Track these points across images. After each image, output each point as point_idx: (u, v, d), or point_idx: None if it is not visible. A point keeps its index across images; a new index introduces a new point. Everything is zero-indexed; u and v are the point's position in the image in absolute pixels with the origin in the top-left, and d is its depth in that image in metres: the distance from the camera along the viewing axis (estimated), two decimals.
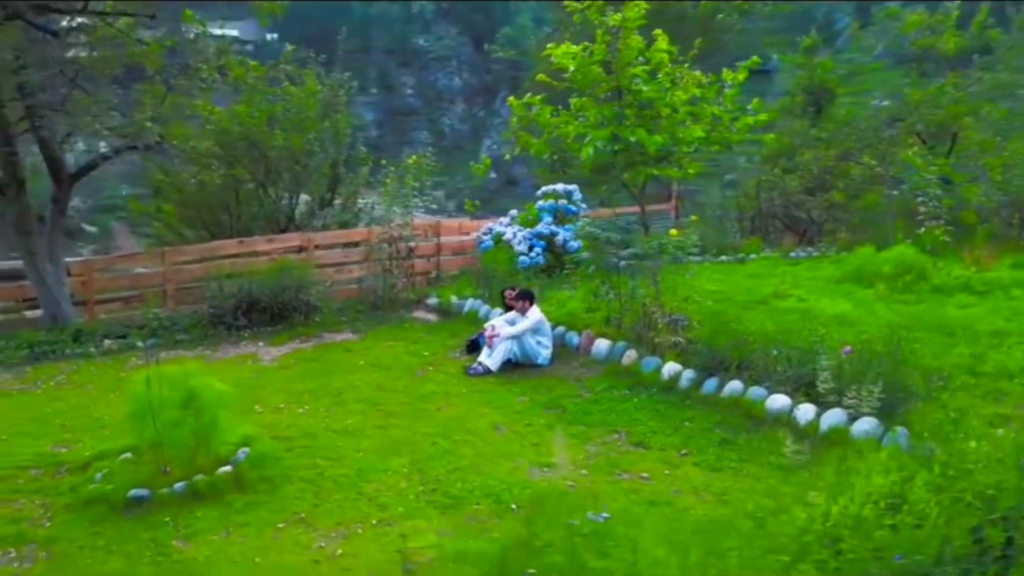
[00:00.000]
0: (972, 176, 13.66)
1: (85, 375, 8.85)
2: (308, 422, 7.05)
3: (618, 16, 8.50)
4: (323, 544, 4.86)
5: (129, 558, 4.75)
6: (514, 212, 13.02)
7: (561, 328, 9.04)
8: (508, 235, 12.24)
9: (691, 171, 9.99)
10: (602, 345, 8.39)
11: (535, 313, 8.58)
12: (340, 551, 4.76)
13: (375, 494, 5.55)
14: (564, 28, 11.72)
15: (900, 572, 2.87)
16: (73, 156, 10.74)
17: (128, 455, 5.95)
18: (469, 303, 10.79)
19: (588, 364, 8.31)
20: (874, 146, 14.81)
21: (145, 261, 11.98)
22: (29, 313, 10.56)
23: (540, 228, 12.26)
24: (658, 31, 8.79)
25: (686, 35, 13.69)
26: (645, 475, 5.75)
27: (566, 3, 9.03)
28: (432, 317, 11.03)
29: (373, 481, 5.75)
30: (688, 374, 7.33)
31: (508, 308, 9.08)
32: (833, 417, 6.07)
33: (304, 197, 14.13)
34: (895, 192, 13.60)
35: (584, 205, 12.95)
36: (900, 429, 5.55)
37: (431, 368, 8.67)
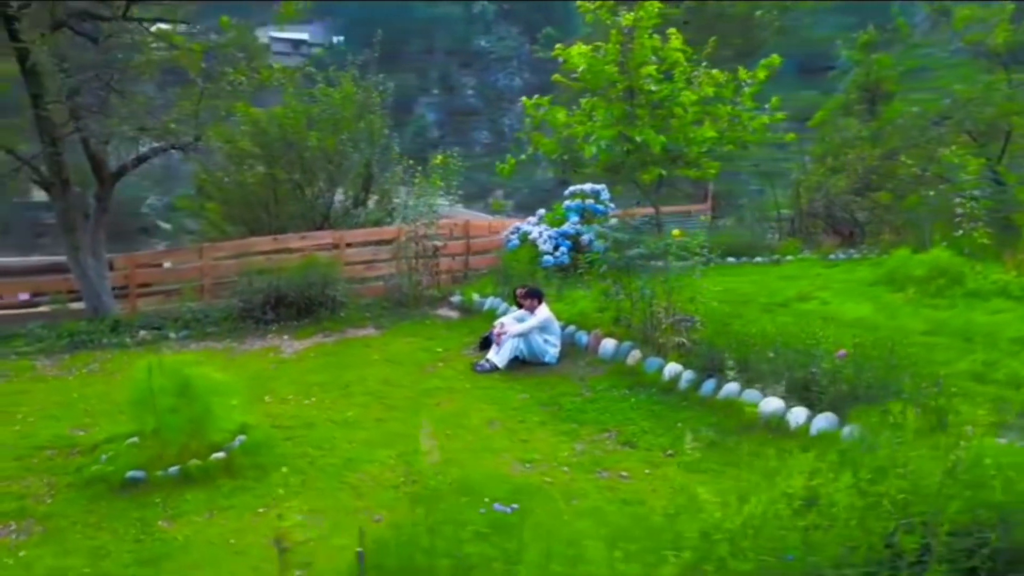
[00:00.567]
0: None
1: (117, 363, 9.28)
2: (311, 413, 7.27)
3: (631, 16, 8.47)
4: (295, 529, 5.01)
5: (115, 535, 5.01)
6: (541, 211, 13.07)
7: (572, 327, 9.07)
8: (534, 234, 12.29)
9: (711, 171, 9.85)
10: (609, 345, 8.39)
11: (543, 311, 8.62)
12: (309, 536, 4.91)
13: (358, 483, 5.71)
14: (597, 28, 11.69)
15: (799, 573, 2.84)
16: (115, 157, 11.25)
17: (135, 439, 6.25)
18: (489, 301, 10.91)
19: (595, 363, 8.32)
20: (920, 145, 14.26)
21: (184, 256, 12.48)
22: (73, 305, 11.13)
23: (566, 228, 12.27)
24: (672, 30, 8.70)
25: (724, 33, 13.47)
26: (624, 474, 5.75)
27: (579, 3, 9.05)
28: (454, 315, 11.17)
29: (358, 471, 5.91)
30: (688, 375, 7.28)
31: (521, 306, 9.16)
32: (824, 420, 5.97)
33: (339, 196, 14.48)
34: (931, 193, 13.06)
35: (612, 205, 12.91)
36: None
37: (441, 364, 8.80)
